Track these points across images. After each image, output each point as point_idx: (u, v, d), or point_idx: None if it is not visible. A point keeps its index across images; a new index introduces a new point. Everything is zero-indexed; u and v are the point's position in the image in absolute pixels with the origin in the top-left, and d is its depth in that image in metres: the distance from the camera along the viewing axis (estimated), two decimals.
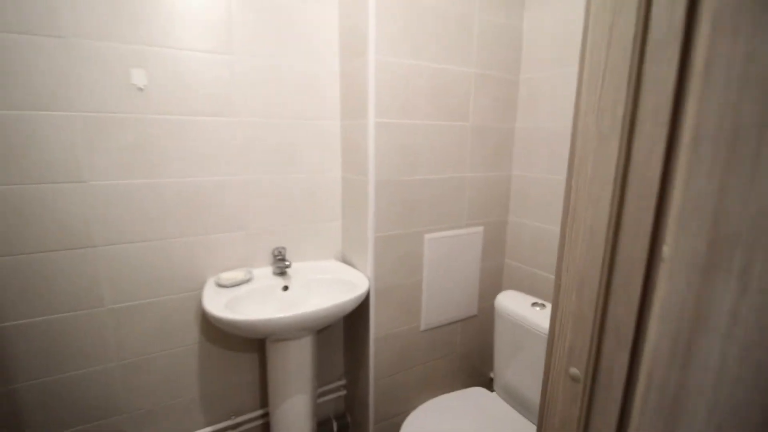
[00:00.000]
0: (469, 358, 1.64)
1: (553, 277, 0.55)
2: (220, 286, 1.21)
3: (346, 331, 1.57)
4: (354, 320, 1.47)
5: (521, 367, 1.26)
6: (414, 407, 1.46)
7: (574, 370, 0.48)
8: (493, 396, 1.33)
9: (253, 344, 1.40)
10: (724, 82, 0.32)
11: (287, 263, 1.27)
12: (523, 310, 1.24)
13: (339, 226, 1.50)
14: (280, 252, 1.33)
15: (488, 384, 1.66)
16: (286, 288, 1.28)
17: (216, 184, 1.24)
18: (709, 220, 0.33)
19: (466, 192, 1.45)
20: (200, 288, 1.27)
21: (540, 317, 1.18)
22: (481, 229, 1.52)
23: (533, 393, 1.23)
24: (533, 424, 1.17)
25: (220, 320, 1.06)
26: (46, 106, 1.01)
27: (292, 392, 1.25)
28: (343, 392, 1.63)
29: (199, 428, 1.35)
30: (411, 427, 1.14)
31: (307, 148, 1.37)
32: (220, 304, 1.09)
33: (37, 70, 0.98)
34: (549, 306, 1.19)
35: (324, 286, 1.31)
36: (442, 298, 1.48)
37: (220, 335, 1.33)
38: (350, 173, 1.38)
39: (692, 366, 0.36)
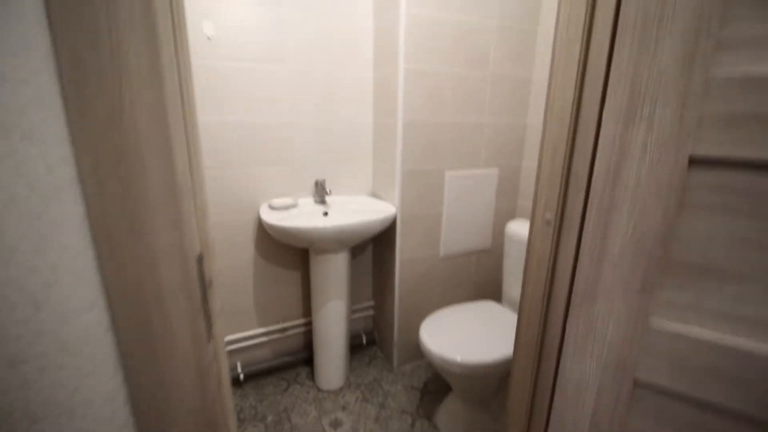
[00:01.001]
0: (482, 286, 1.86)
1: None
2: (272, 208, 1.46)
3: (375, 258, 1.81)
4: (382, 246, 1.70)
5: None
6: None
7: (548, 215, 0.68)
8: (500, 306, 1.55)
9: (297, 261, 1.66)
10: None
11: (327, 191, 1.50)
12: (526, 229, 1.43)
13: (370, 165, 1.71)
14: (320, 183, 1.55)
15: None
16: (326, 214, 1.52)
17: (268, 122, 1.46)
18: (628, 85, 0.52)
19: (484, 136, 1.63)
20: (255, 212, 1.52)
21: None
22: (496, 171, 1.70)
23: None
24: None
25: (274, 227, 1.31)
26: None
27: (331, 297, 1.51)
28: (371, 312, 1.89)
29: (255, 328, 1.65)
30: (428, 324, 1.38)
31: (344, 95, 1.57)
32: (273, 218, 1.34)
33: None
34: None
35: (359, 213, 1.54)
36: (459, 230, 1.69)
37: (271, 252, 1.60)
38: (381, 117, 1.57)
39: (618, 186, 0.55)
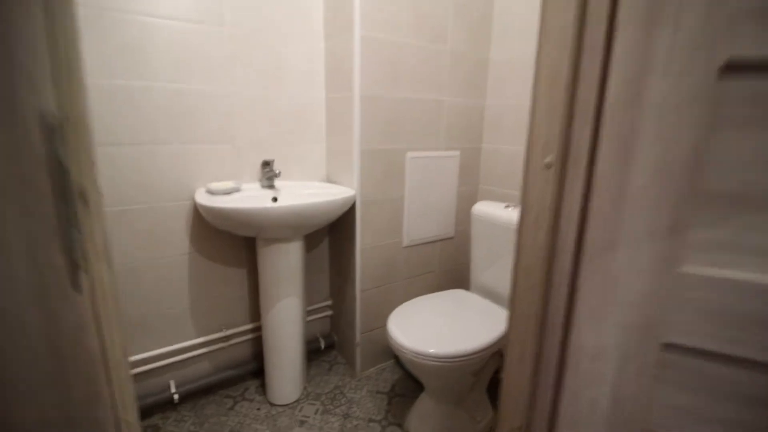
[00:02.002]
0: (447, 276, 1.76)
1: None
2: (211, 193, 1.24)
3: (333, 251, 1.64)
4: (340, 236, 1.54)
5: (495, 266, 1.39)
6: None
7: (548, 159, 0.58)
8: (471, 294, 1.46)
9: (242, 256, 1.44)
10: None
11: (276, 172, 1.32)
12: (496, 211, 1.36)
13: (324, 149, 1.55)
14: (269, 164, 1.36)
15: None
16: (275, 199, 1.33)
17: (202, 93, 1.25)
18: None
19: (444, 116, 1.54)
20: (190, 198, 1.29)
21: (511, 215, 1.30)
22: (457, 153, 1.62)
23: (506, 287, 1.36)
24: (505, 309, 1.30)
25: (212, 210, 1.10)
26: None
27: (284, 295, 1.32)
28: (328, 312, 1.71)
29: (191, 338, 1.40)
30: (397, 316, 1.24)
31: (292, 66, 1.40)
32: (212, 201, 1.13)
33: None
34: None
35: (312, 198, 1.37)
36: (422, 216, 1.58)
37: (211, 246, 1.37)
38: (335, 92, 1.43)
39: (638, 107, 0.46)
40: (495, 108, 1.63)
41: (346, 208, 1.32)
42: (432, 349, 1.09)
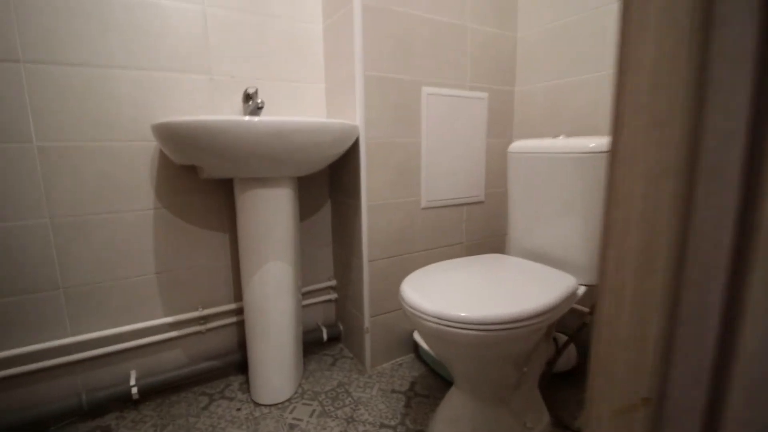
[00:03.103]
0: (477, 249, 1.43)
1: None
2: None
3: (335, 213, 1.35)
4: (343, 189, 1.26)
5: (544, 220, 1.06)
6: None
7: None
8: (510, 257, 1.12)
9: (223, 215, 1.17)
10: None
11: (260, 102, 1.06)
12: (544, 142, 1.04)
13: (323, 90, 1.29)
14: (250, 96, 1.10)
15: None
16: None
17: (167, 7, 1.03)
18: None
19: (468, 47, 1.26)
20: (156, 141, 1.05)
21: (568, 142, 0.98)
22: (485, 95, 1.33)
23: (563, 247, 1.02)
24: (559, 270, 0.96)
25: (169, 127, 0.85)
26: None
27: (270, 257, 1.03)
28: (333, 296, 1.40)
29: (158, 317, 1.12)
30: (414, 278, 0.93)
31: None
32: (168, 117, 0.88)
33: None
34: (576, 137, 1.00)
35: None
36: (444, 171, 1.28)
37: (183, 199, 1.11)
38: (331, 17, 1.18)
39: None
40: (529, 41, 1.34)
41: (346, 144, 1.04)
42: (463, 312, 0.76)
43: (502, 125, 1.40)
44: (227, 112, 1.14)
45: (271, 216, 1.02)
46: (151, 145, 1.05)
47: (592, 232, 0.96)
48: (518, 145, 1.11)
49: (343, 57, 1.14)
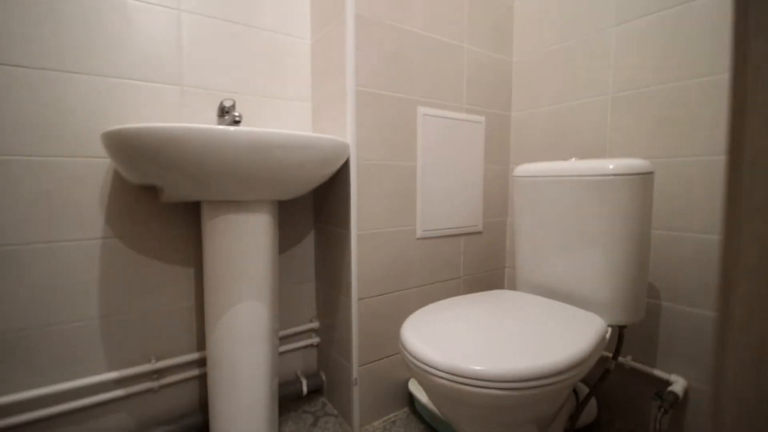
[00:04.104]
0: (477, 284, 1.30)
1: None
2: None
3: (320, 245, 1.19)
4: (330, 217, 1.11)
5: (556, 248, 0.94)
6: None
7: None
8: (520, 293, 0.99)
9: (187, 250, 1.00)
10: None
11: (237, 116, 0.92)
12: (555, 165, 0.94)
13: (309, 109, 1.18)
14: (227, 111, 0.96)
15: None
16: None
17: (136, 6, 0.91)
18: None
19: (465, 67, 1.20)
20: (107, 156, 0.89)
21: (583, 164, 0.88)
22: (483, 119, 1.26)
23: (577, 282, 0.90)
24: (580, 309, 0.83)
25: (126, 135, 0.69)
26: None
27: (243, 297, 0.86)
28: (314, 340, 1.22)
29: (98, 372, 0.91)
30: (415, 320, 0.78)
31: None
32: (126, 124, 0.73)
33: None
34: (590, 159, 0.90)
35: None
36: (441, 197, 1.17)
37: (139, 229, 0.94)
38: (320, 31, 1.09)
39: None
40: (527, 65, 1.29)
41: (337, 164, 0.91)
42: (480, 366, 0.62)
43: (499, 151, 1.32)
44: None
45: (245, 247, 0.86)
46: (104, 162, 0.89)
47: (616, 265, 0.84)
48: (525, 169, 1.01)
49: (333, 71, 1.04)
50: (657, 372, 0.98)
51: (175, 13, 0.95)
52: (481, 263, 1.30)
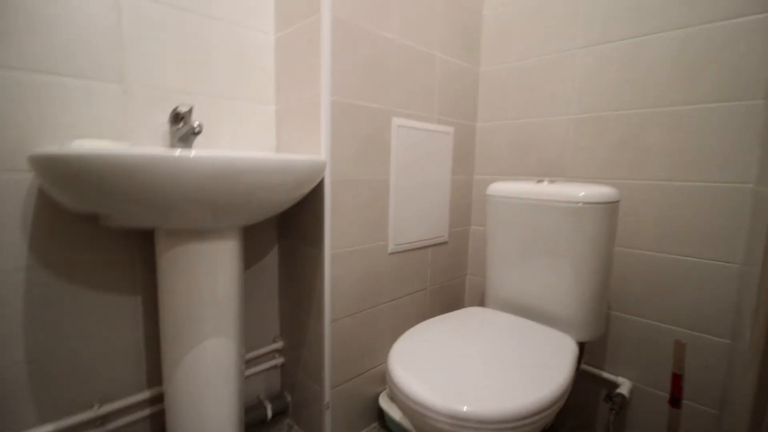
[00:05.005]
0: (441, 295, 1.31)
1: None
2: None
3: (284, 261, 1.11)
4: (299, 234, 1.04)
5: (529, 268, 0.98)
6: (382, 362, 1.09)
7: None
8: (492, 311, 1.02)
9: (133, 276, 0.87)
10: None
11: (195, 126, 0.80)
12: (528, 187, 0.97)
13: (272, 113, 1.08)
14: (181, 117, 0.83)
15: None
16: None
17: None
18: None
19: (437, 76, 1.17)
20: (30, 169, 0.73)
21: (556, 189, 0.91)
22: (452, 129, 1.25)
23: (547, 300, 0.95)
24: (551, 328, 0.88)
25: (64, 161, 0.57)
26: None
27: (210, 334, 0.77)
28: (279, 361, 1.15)
29: (27, 426, 0.76)
30: (402, 354, 0.76)
31: None
32: (63, 149, 0.59)
33: None
34: (561, 180, 0.93)
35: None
36: (412, 210, 1.15)
37: (70, 255, 0.79)
38: (287, 27, 0.99)
39: None
40: (492, 75, 1.30)
41: (312, 185, 0.84)
42: (486, 407, 0.62)
43: (465, 161, 1.33)
44: (146, 136, 0.86)
45: (209, 278, 0.77)
46: (26, 177, 0.73)
47: (585, 285, 0.90)
48: (498, 188, 1.03)
49: (303, 76, 0.95)
50: (606, 374, 1.08)
51: (113, 4, 0.79)
52: (445, 272, 1.32)
